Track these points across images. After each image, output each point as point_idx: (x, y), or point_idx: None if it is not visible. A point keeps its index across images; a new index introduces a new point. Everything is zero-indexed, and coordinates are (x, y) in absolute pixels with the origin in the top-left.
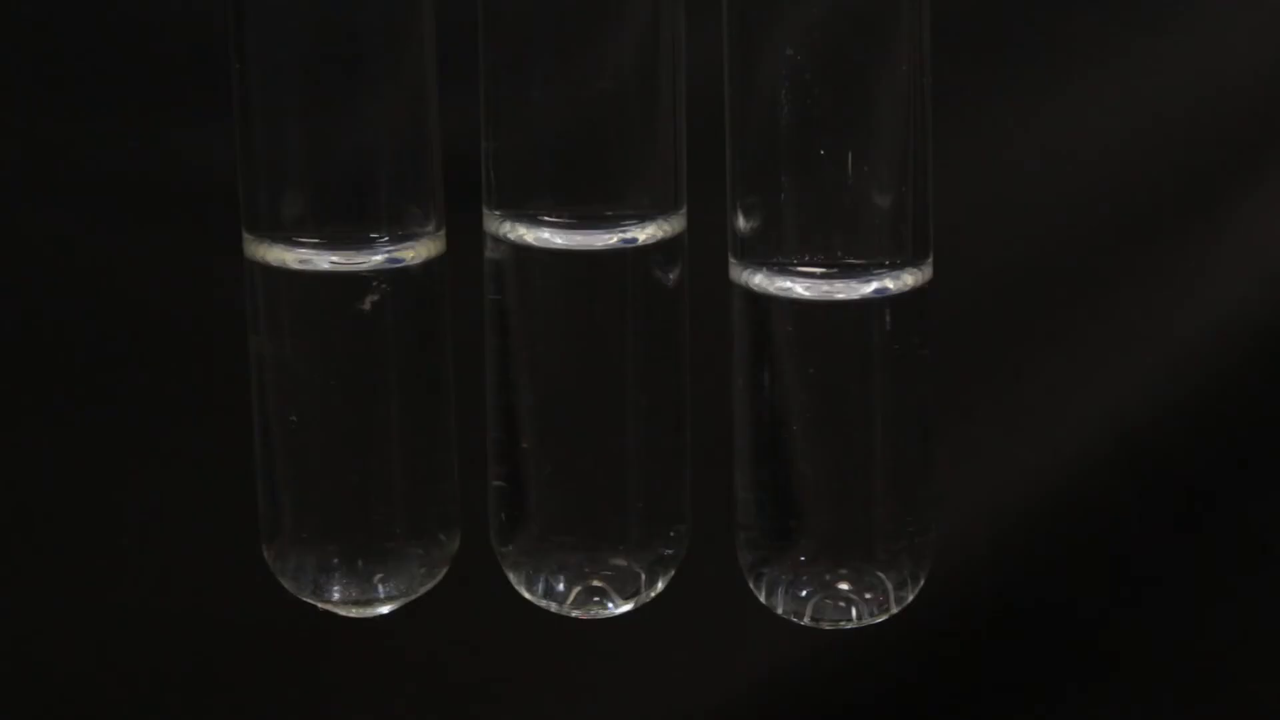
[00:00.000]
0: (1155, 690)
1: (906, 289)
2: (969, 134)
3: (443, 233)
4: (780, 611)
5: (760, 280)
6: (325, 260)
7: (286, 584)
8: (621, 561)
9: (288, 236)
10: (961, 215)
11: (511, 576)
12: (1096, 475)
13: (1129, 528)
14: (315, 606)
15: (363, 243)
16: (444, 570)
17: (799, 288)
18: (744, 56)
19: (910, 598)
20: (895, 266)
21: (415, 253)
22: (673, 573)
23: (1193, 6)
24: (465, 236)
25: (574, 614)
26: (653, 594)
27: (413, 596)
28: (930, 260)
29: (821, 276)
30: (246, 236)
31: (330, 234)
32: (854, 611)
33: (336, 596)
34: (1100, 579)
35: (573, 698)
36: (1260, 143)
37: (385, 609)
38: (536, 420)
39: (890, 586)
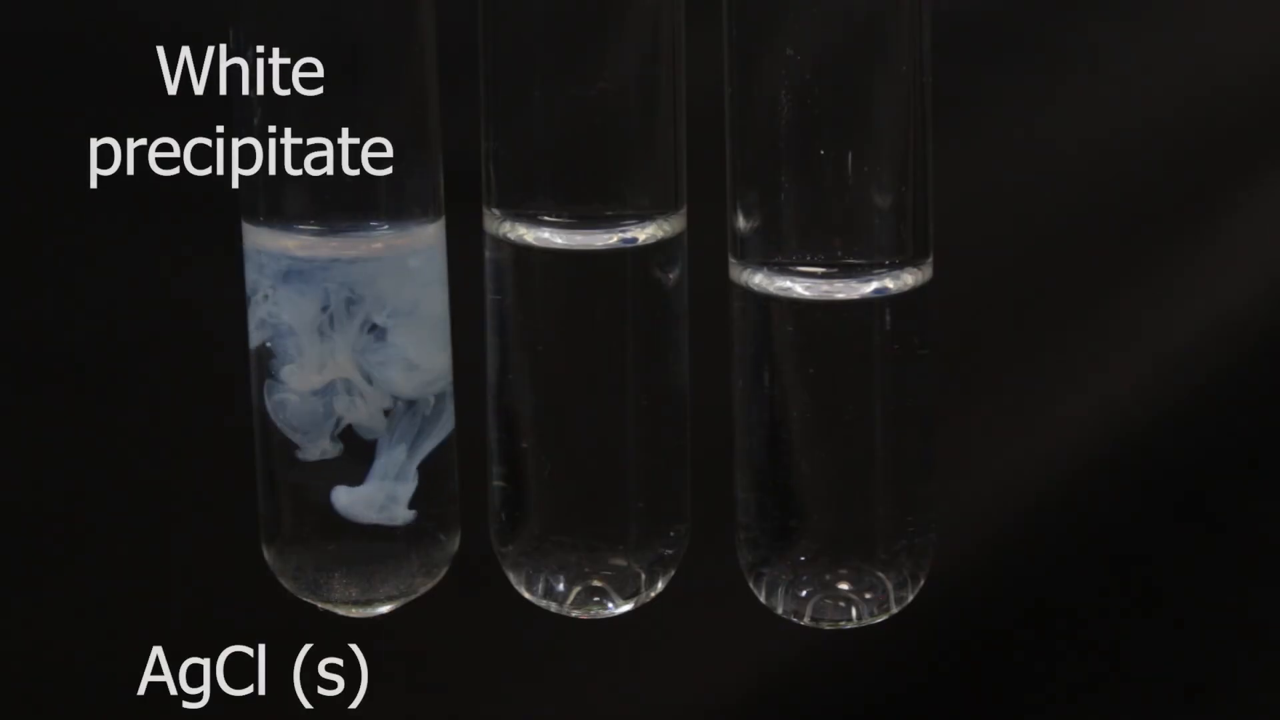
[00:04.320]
0: (1155, 690)
1: (906, 289)
2: (969, 134)
3: (442, 220)
4: (780, 611)
5: (760, 280)
6: (327, 247)
7: (286, 584)
8: (621, 561)
9: (290, 224)
10: (961, 215)
11: (511, 576)
12: (1096, 475)
13: (1129, 528)
14: (315, 606)
15: (363, 230)
16: (444, 570)
17: (799, 288)
18: (744, 56)
19: (910, 598)
20: (895, 266)
21: (414, 243)
22: (673, 573)
23: (1191, 6)
24: (465, 236)
25: (574, 614)
26: (653, 594)
27: (413, 596)
28: (930, 260)
29: (821, 276)
30: (246, 226)
31: (332, 225)
32: (854, 611)
33: (336, 596)
34: (1100, 579)
35: (573, 698)
36: (1259, 143)
37: (385, 609)
38: (537, 420)
39: (890, 586)
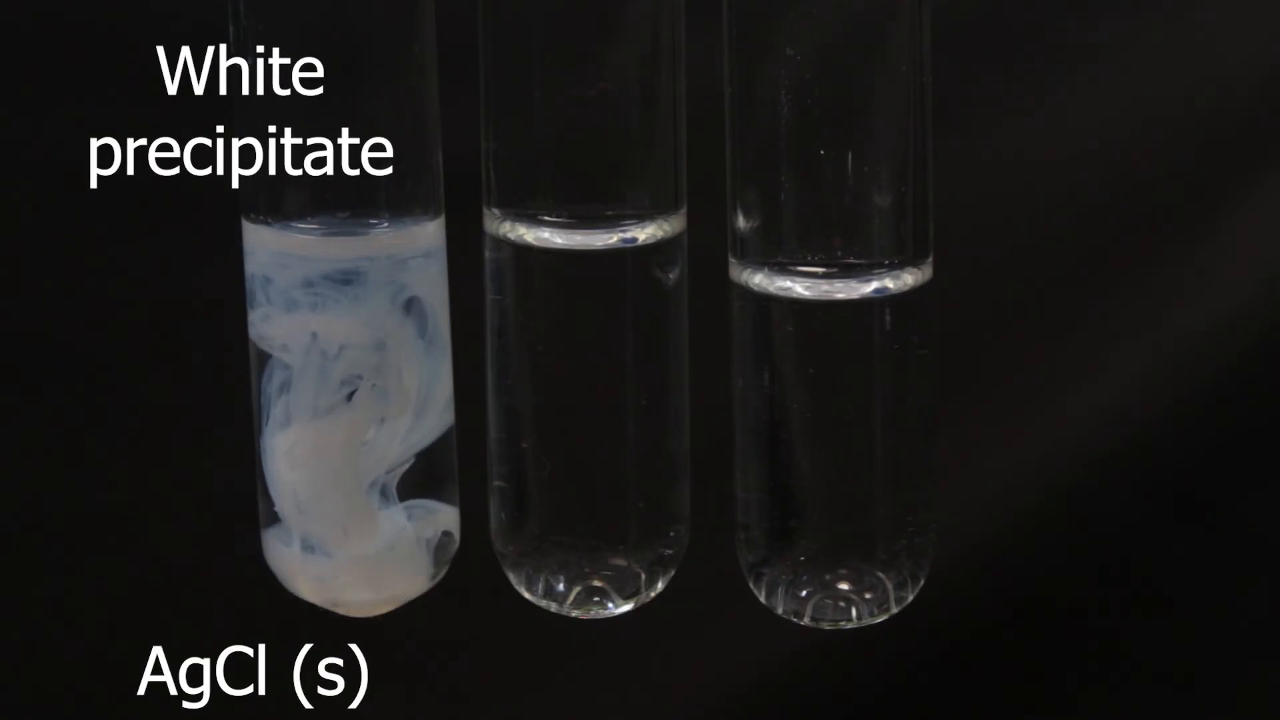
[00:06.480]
0: (1155, 690)
1: (906, 289)
2: (969, 134)
3: (442, 219)
4: (780, 611)
5: (760, 280)
6: (327, 248)
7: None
8: (621, 561)
9: (289, 223)
10: (961, 215)
11: (511, 576)
12: (1096, 475)
13: (1129, 527)
14: (316, 606)
15: (363, 230)
16: (444, 570)
17: (799, 288)
18: (744, 56)
19: (910, 598)
20: (895, 266)
21: (415, 243)
22: (673, 573)
23: (1192, 6)
24: (465, 236)
25: (574, 614)
26: (653, 594)
27: (413, 596)
28: (930, 260)
29: (821, 276)
30: (247, 224)
31: (332, 224)
32: (854, 611)
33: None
34: (1100, 578)
35: (573, 698)
36: (1260, 142)
37: (385, 609)
38: (537, 420)
39: (890, 586)
